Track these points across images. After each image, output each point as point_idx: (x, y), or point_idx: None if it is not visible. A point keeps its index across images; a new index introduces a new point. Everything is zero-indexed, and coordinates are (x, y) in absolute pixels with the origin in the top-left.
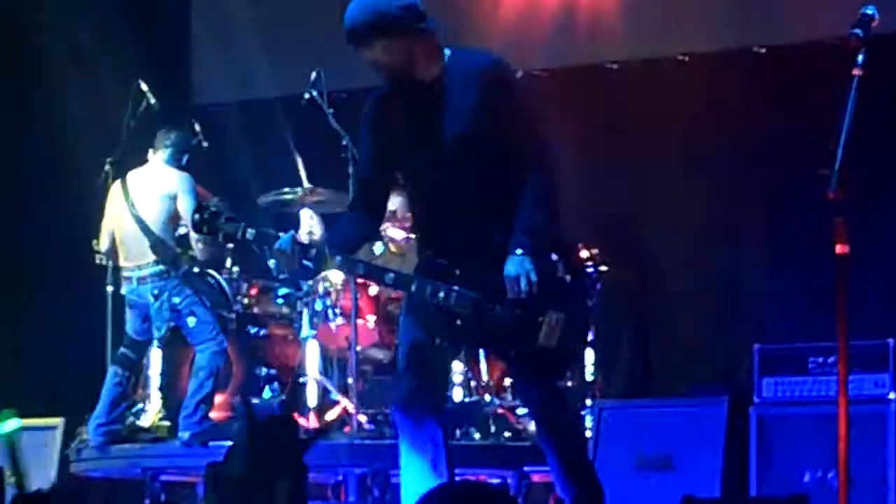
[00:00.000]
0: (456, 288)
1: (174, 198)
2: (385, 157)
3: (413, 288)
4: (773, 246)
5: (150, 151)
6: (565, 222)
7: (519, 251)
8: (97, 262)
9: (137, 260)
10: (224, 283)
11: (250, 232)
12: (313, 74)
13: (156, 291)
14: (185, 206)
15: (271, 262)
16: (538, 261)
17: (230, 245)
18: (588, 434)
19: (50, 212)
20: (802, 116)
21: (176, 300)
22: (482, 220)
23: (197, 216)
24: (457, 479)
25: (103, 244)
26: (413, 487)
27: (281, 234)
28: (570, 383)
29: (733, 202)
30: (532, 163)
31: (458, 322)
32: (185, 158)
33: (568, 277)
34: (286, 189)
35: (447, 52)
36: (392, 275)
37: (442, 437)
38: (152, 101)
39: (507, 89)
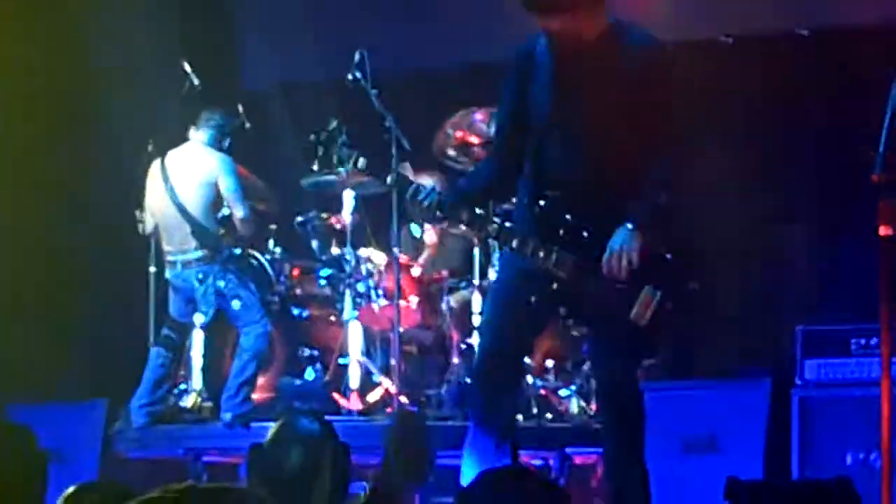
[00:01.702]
0: (557, 248)
1: (214, 183)
2: (524, 104)
3: (514, 244)
4: (818, 227)
5: (192, 129)
6: None
7: (630, 225)
8: (140, 231)
9: (181, 245)
10: (267, 265)
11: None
12: (357, 56)
13: (200, 276)
14: (226, 187)
15: (314, 243)
16: (645, 239)
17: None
18: None
19: (93, 193)
20: (847, 100)
21: (220, 284)
22: (601, 188)
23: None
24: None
25: (148, 226)
26: (476, 460)
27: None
28: None
29: (778, 184)
30: (666, 144)
31: (555, 285)
32: (227, 141)
33: (670, 257)
34: (327, 171)
35: (610, 20)
36: (496, 226)
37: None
38: (196, 82)
39: (662, 72)
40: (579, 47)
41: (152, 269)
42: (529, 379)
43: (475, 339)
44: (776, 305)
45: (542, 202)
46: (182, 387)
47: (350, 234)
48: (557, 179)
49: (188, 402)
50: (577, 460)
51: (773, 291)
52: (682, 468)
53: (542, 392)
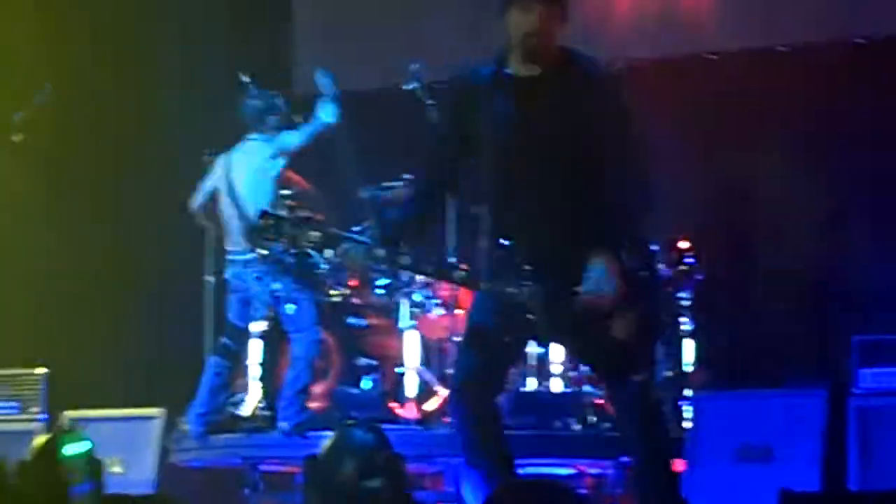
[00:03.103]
0: (526, 284)
1: (269, 182)
2: (464, 139)
3: (482, 286)
4: (873, 236)
5: (251, 132)
6: (663, 214)
7: (602, 264)
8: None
9: (241, 245)
10: (322, 265)
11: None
12: (414, 66)
13: (258, 276)
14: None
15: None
16: (620, 269)
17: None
18: (687, 424)
19: (151, 202)
20: None
21: (276, 286)
22: (565, 222)
23: (262, 221)
24: (525, 475)
25: (197, 200)
26: (470, 493)
27: (346, 241)
28: (669, 373)
29: (832, 193)
30: (631, 168)
31: (529, 317)
32: (283, 144)
33: (642, 272)
34: (386, 184)
35: (562, 46)
36: (463, 273)
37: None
38: (255, 93)
39: (616, 101)
40: (537, 75)
41: (210, 278)
42: (586, 388)
43: (532, 347)
44: (832, 315)
45: (504, 241)
46: (239, 395)
47: None
48: (519, 215)
49: (245, 410)
50: None
51: (829, 301)
52: (737, 478)
53: (599, 401)
